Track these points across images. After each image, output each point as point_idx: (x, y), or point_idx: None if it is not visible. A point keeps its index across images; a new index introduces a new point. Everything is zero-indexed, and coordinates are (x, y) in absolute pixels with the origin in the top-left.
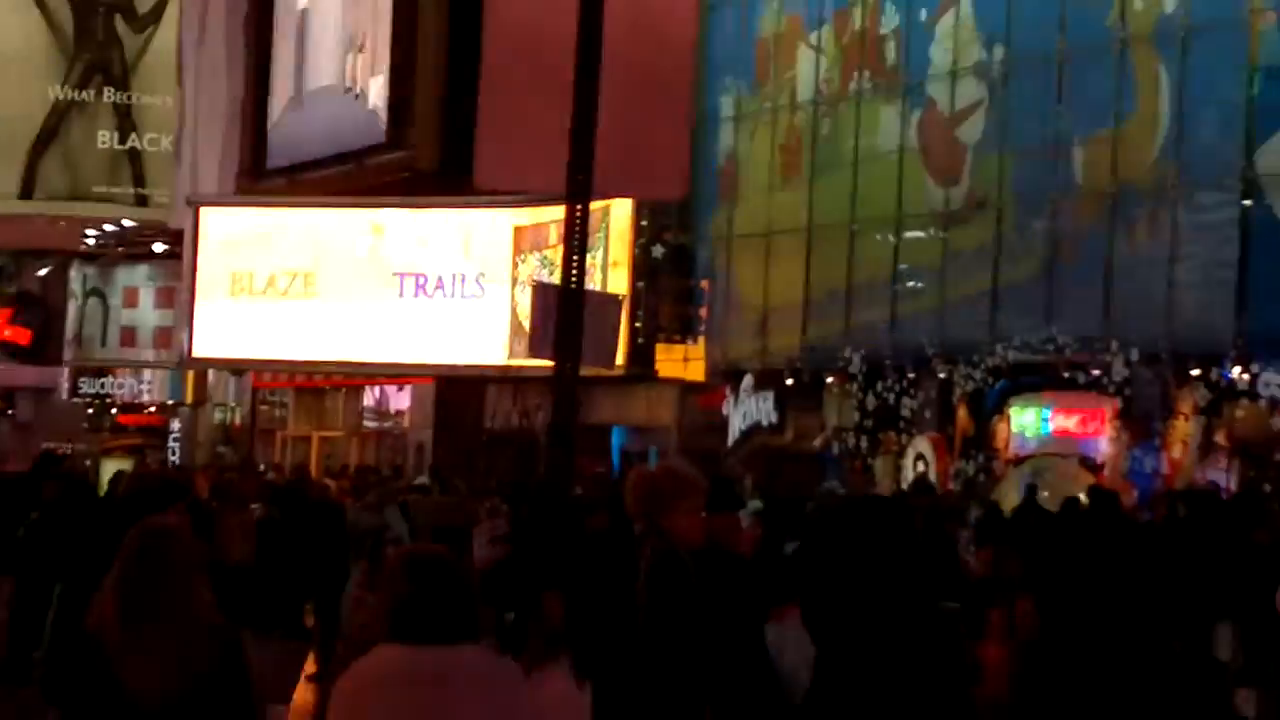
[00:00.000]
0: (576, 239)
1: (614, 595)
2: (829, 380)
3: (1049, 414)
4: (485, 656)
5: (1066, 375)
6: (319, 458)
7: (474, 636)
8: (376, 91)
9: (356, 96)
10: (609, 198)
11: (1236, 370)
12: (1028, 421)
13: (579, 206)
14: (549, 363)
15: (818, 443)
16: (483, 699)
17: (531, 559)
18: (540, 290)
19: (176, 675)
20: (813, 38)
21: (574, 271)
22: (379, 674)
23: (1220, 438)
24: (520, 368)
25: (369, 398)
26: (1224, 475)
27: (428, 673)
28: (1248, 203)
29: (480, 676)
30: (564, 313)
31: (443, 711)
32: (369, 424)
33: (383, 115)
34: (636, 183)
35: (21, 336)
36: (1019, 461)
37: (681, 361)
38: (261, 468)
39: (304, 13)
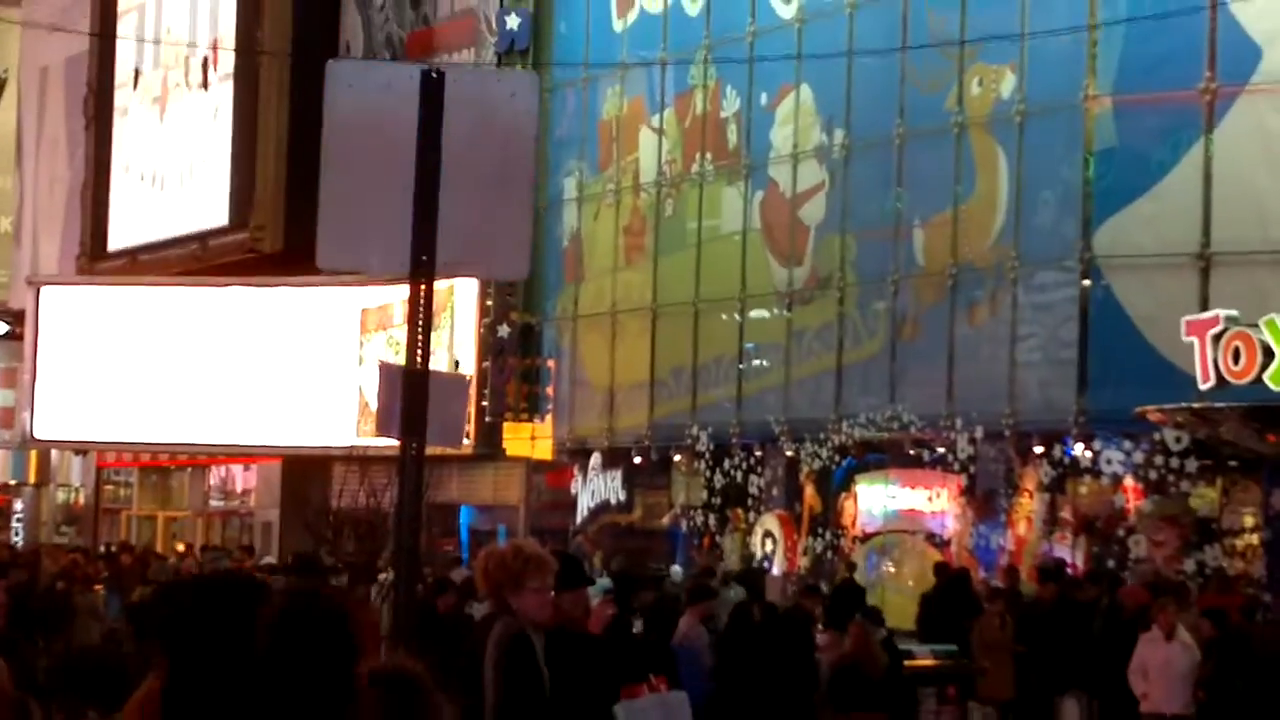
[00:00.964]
0: (421, 319)
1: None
2: (677, 458)
3: (895, 491)
4: None
5: (912, 452)
6: (165, 537)
7: None
8: (219, 174)
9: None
10: (452, 278)
11: (1079, 447)
12: (874, 499)
13: (423, 287)
14: (396, 442)
15: (666, 520)
16: None
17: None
18: (385, 370)
19: None
20: (655, 120)
21: (419, 351)
22: None
23: (1065, 514)
24: (366, 447)
25: (214, 477)
26: (1069, 551)
27: None
28: (1086, 283)
29: None
30: (410, 392)
31: None
32: (215, 503)
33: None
34: (479, 263)
35: None
36: (866, 538)
37: (529, 440)
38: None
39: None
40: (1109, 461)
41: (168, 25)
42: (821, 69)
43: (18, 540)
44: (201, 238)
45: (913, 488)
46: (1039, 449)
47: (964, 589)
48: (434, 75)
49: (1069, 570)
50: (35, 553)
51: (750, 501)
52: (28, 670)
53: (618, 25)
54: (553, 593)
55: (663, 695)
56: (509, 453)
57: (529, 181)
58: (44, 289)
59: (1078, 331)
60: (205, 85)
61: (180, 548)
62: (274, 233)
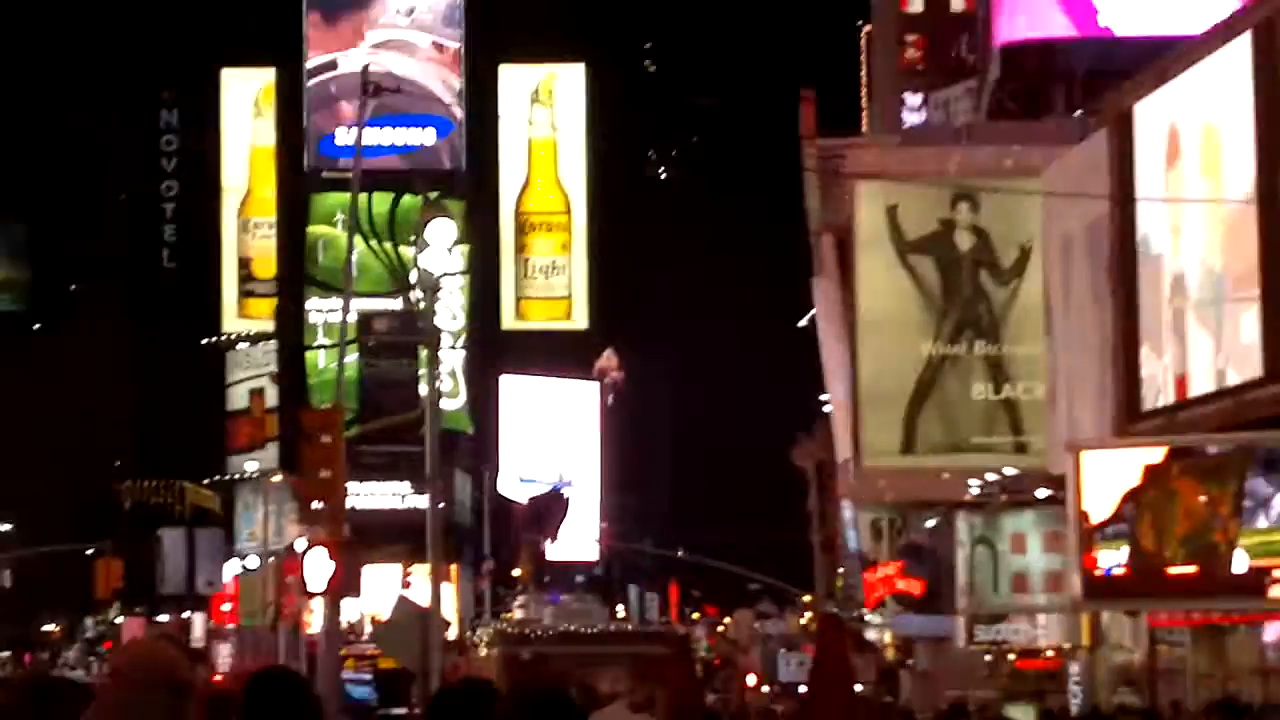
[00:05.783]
0: None
1: None
2: None
3: None
4: None
5: None
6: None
7: None
8: (1249, 320)
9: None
10: None
11: None
12: None
13: None
14: None
15: None
16: None
17: None
18: None
19: None
20: None
21: None
22: None
23: None
24: None
25: (1271, 633)
26: None
27: None
28: None
29: None
30: None
31: None
32: (1272, 659)
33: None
34: None
35: (915, 587)
36: None
37: None
38: None
39: (1158, 259)
40: None
41: None
42: None
43: (1075, 703)
44: (1234, 391)
45: None
46: None
47: None
48: None
49: None
50: None
51: None
52: None
53: None
54: None
55: None
56: None
57: None
58: (1083, 453)
59: None
60: None
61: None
62: None
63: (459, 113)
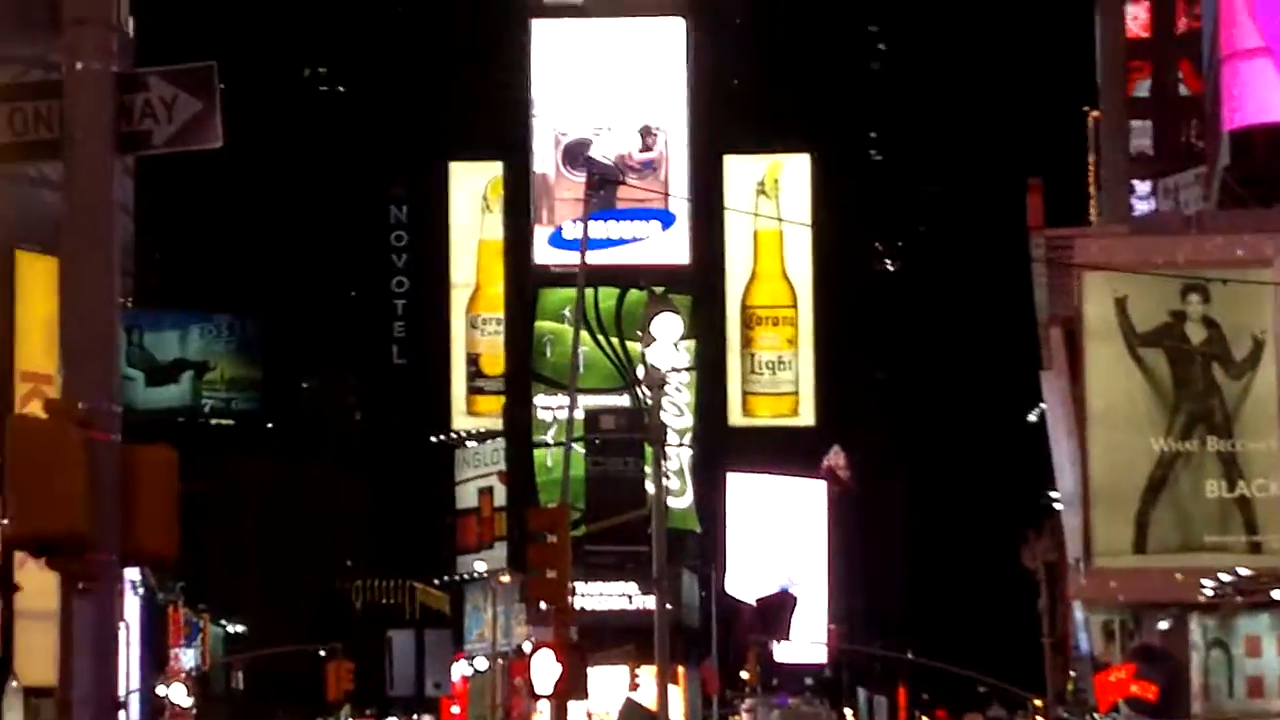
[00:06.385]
0: None
1: None
2: None
3: None
4: None
5: None
6: None
7: None
8: None
9: None
10: None
11: None
12: None
13: None
14: None
15: None
16: None
17: None
18: None
19: None
20: None
21: None
22: None
23: None
24: None
25: None
26: None
27: None
28: None
29: None
30: None
31: None
32: None
33: None
34: None
35: (1148, 692)
36: None
37: None
38: None
39: None
40: None
41: None
42: None
43: None
44: None
45: None
46: None
47: None
48: None
49: None
50: None
51: None
52: None
53: None
54: None
55: None
56: None
57: None
58: None
59: None
60: None
61: None
62: None
63: (684, 207)
